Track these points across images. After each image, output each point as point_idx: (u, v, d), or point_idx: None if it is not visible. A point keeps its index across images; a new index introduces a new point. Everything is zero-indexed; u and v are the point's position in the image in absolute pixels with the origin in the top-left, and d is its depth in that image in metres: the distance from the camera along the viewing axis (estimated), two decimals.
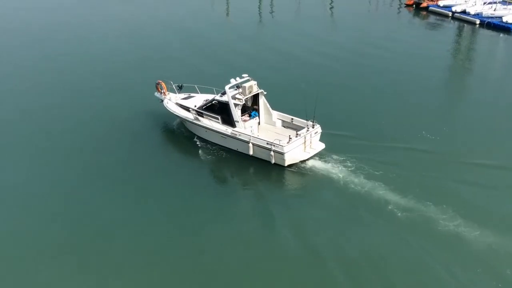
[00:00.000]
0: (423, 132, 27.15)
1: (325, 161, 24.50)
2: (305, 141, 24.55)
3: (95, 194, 22.92)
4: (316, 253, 18.81)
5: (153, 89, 29.89)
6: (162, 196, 22.68)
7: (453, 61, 42.11)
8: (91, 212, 21.63)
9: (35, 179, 24.27)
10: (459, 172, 23.48)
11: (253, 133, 25.15)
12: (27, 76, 38.04)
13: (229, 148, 25.92)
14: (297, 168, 24.42)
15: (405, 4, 61.30)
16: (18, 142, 27.86)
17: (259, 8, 62.25)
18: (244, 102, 25.75)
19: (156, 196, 22.64)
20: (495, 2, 53.63)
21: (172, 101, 28.46)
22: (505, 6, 53.65)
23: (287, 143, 23.71)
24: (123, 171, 24.83)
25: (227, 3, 64.89)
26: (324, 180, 23.23)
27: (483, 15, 51.89)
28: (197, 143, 27.01)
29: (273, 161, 24.10)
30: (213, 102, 26.12)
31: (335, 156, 24.69)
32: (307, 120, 25.03)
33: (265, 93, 26.36)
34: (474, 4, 54.59)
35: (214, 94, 27.32)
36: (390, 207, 20.99)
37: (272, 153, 23.80)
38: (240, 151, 25.34)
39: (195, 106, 27.07)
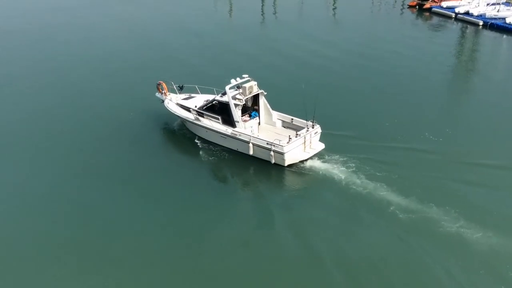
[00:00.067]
0: (426, 134, 26.98)
1: (325, 161, 24.42)
2: (305, 141, 24.54)
3: (95, 194, 22.89)
4: (316, 254, 18.70)
5: (154, 90, 29.91)
6: (162, 196, 22.63)
7: (456, 62, 41.91)
8: (92, 212, 21.60)
9: (36, 179, 24.26)
10: (462, 173, 23.31)
11: (253, 133, 25.15)
12: (27, 76, 38.11)
13: (230, 148, 25.90)
14: (297, 168, 24.35)
15: (408, 5, 61.25)
16: (19, 142, 27.88)
17: (262, 8, 62.31)
18: (244, 102, 25.77)
19: (156, 196, 22.60)
20: (498, 3, 53.42)
21: (173, 102, 28.48)
22: (508, 7, 53.44)
23: (287, 143, 23.73)
24: (124, 171, 24.82)
25: (230, 3, 64.98)
26: (324, 180, 23.13)
27: (487, 16, 51.73)
28: (198, 143, 26.98)
29: (273, 161, 24.09)
30: (214, 102, 26.15)
31: (335, 156, 24.61)
32: (307, 120, 24.99)
33: (265, 93, 26.37)
34: (477, 5, 54.41)
35: (215, 94, 27.35)
36: (391, 208, 20.83)
37: (272, 153, 23.80)
38: (240, 151, 25.33)
39: (196, 107, 27.12)
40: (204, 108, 26.54)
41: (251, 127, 25.76)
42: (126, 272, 18.11)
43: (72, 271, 18.20)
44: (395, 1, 65.01)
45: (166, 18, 56.43)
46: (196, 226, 20.41)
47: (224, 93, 25.64)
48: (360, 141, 26.13)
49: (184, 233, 20.07)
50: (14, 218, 21.34)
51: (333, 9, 62.65)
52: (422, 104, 31.50)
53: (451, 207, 20.59)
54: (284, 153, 23.61)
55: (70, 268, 18.37)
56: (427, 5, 58.62)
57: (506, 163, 24.02)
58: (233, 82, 25.45)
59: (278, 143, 23.64)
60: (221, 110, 25.80)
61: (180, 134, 28.53)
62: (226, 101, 25.34)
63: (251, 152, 24.63)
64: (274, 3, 64.87)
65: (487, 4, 53.87)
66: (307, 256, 18.61)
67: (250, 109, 26.82)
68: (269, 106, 26.63)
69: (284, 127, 26.61)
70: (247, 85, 25.51)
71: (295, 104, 27.40)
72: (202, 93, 29.44)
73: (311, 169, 24.07)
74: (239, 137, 24.92)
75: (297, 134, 24.48)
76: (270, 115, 26.78)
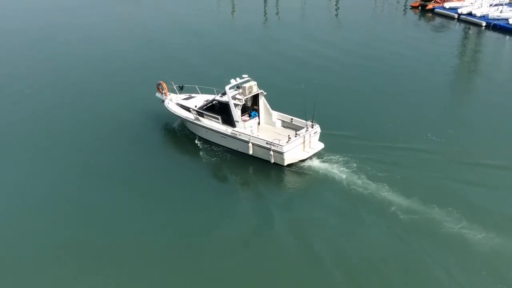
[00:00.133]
0: (429, 134, 26.81)
1: (325, 161, 24.34)
2: (304, 141, 24.51)
3: (95, 194, 22.85)
4: (316, 254, 18.59)
5: (154, 90, 29.89)
6: (162, 196, 22.59)
7: (458, 63, 41.74)
8: (92, 212, 21.56)
9: (36, 179, 24.25)
10: (465, 174, 23.13)
11: (253, 133, 25.16)
12: (27, 76, 38.24)
13: (229, 148, 25.87)
14: (297, 167, 24.29)
15: (410, 6, 61.12)
16: (19, 142, 27.90)
17: (264, 9, 62.32)
18: (244, 102, 25.78)
19: (156, 196, 22.56)
20: (501, 4, 53.18)
21: (173, 102, 28.47)
22: (511, 8, 53.14)
23: (287, 142, 23.72)
24: (124, 171, 24.79)
25: (233, 4, 65.03)
26: (324, 180, 23.04)
27: (489, 17, 51.50)
28: (198, 143, 26.94)
29: (272, 161, 24.06)
30: (214, 102, 26.14)
31: (335, 156, 24.52)
32: (306, 120, 24.91)
33: (265, 93, 26.35)
34: (480, 6, 54.24)
35: (215, 94, 27.32)
36: (393, 208, 20.67)
37: (271, 152, 23.79)
38: (240, 150, 25.32)
39: (196, 107, 27.12)
40: (204, 108, 26.54)
41: (251, 127, 25.77)
42: (126, 272, 18.05)
43: (72, 271, 18.15)
44: (398, 2, 64.97)
45: (166, 18, 56.57)
46: (196, 226, 20.34)
47: (224, 93, 25.63)
48: (362, 141, 26.01)
49: (184, 233, 20.01)
50: (14, 218, 21.32)
51: (336, 9, 62.60)
52: (425, 105, 31.34)
53: (454, 208, 20.42)
54: (284, 152, 23.59)
55: (70, 268, 18.33)
56: (430, 6, 58.49)
57: (510, 164, 23.81)
58: (233, 82, 25.44)
59: (277, 142, 23.63)
60: (221, 110, 25.79)
61: (180, 134, 28.49)
62: (226, 101, 25.34)
63: (250, 152, 24.61)
64: (276, 3, 64.91)
65: (490, 5, 53.64)
66: (307, 256, 18.50)
67: (250, 109, 26.79)
68: (268, 106, 26.61)
69: (284, 127, 26.59)
70: (246, 85, 25.50)
71: (295, 104, 27.32)
72: (202, 93, 29.43)
73: (311, 168, 23.99)
74: (239, 137, 24.90)
75: (296, 134, 24.48)
76: (269, 115, 26.77)
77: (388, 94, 33.36)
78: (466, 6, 55.48)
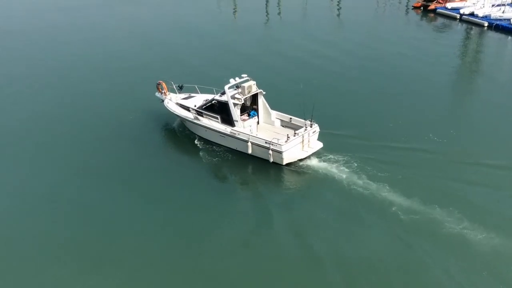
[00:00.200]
0: (430, 135, 26.67)
1: (324, 161, 24.28)
2: (303, 140, 24.46)
3: (95, 194, 22.80)
4: (316, 254, 18.51)
5: (154, 90, 29.86)
6: (162, 195, 22.54)
7: (460, 64, 41.59)
8: (92, 212, 21.51)
9: (36, 179, 24.22)
10: (466, 174, 23.01)
11: (252, 132, 25.19)
12: (27, 76, 38.24)
13: (229, 147, 25.83)
14: (295, 166, 24.24)
15: (412, 6, 60.96)
16: (19, 142, 27.88)
17: (266, 9, 62.26)
18: (243, 101, 25.75)
19: (156, 196, 22.51)
20: (503, 5, 53.04)
21: (173, 101, 28.44)
22: None
23: (285, 142, 23.68)
24: (124, 171, 24.75)
25: (234, 4, 65.02)
26: (323, 179, 22.97)
27: (492, 18, 51.31)
28: (197, 143, 26.91)
29: (271, 160, 24.03)
30: (213, 102, 26.14)
31: (335, 156, 24.45)
32: (305, 119, 24.86)
33: (264, 93, 26.32)
34: (482, 7, 54.05)
35: (214, 94, 27.29)
36: (393, 209, 20.56)
37: (270, 151, 23.77)
38: (239, 150, 25.30)
39: (195, 106, 27.10)
40: (203, 107, 26.54)
41: (250, 126, 25.78)
42: (126, 272, 18.00)
43: (72, 271, 18.10)
44: (400, 2, 64.85)
45: (166, 18, 56.56)
46: (196, 226, 20.28)
47: (223, 93, 25.62)
48: (362, 141, 25.91)
49: (184, 233, 19.95)
50: (14, 218, 21.28)
51: (338, 9, 62.53)
52: (426, 105, 31.21)
53: (455, 208, 20.29)
54: (282, 151, 23.57)
55: (70, 268, 18.28)
56: (432, 6, 58.33)
57: (511, 164, 23.65)
58: (232, 81, 25.42)
59: (276, 142, 23.61)
60: (220, 110, 25.77)
61: (180, 134, 28.45)
62: (225, 101, 25.33)
63: (249, 151, 24.59)
64: (278, 3, 64.87)
65: (492, 5, 53.49)
66: (307, 256, 18.42)
67: (249, 108, 26.78)
68: (268, 106, 26.59)
69: (283, 126, 26.58)
70: (246, 84, 25.49)
71: (294, 103, 27.25)
72: (201, 92, 29.44)
73: (310, 168, 23.93)
74: (238, 136, 24.88)
75: (295, 133, 24.45)
76: (269, 114, 26.75)
77: (389, 94, 33.24)
78: (468, 6, 55.30)
